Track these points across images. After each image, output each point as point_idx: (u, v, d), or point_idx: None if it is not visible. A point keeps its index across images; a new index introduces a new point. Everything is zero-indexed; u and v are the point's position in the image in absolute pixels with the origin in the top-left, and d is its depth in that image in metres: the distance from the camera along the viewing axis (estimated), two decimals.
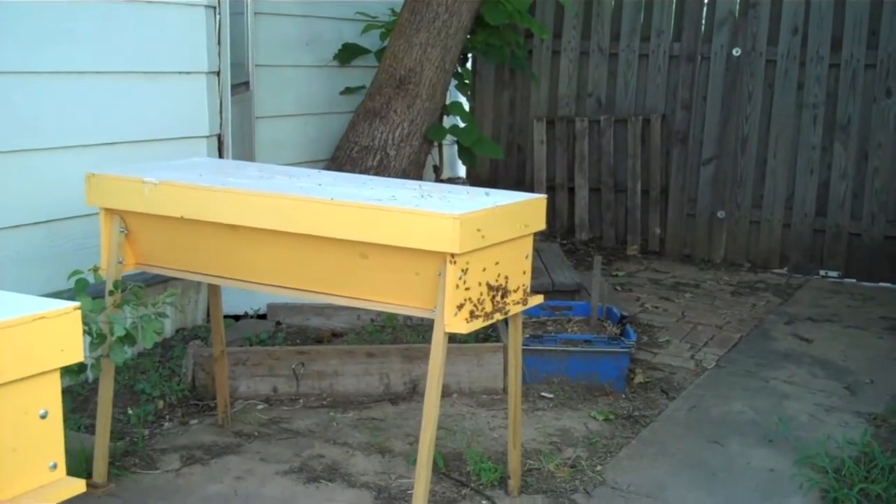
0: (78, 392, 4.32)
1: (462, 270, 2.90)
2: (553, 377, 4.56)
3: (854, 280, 6.96)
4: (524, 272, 3.24)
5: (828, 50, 6.97)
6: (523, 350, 4.49)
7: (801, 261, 7.14)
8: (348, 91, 6.83)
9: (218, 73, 5.05)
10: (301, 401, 4.40)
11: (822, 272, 7.06)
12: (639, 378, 4.76)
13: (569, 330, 4.80)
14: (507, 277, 3.13)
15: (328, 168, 6.47)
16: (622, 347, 4.52)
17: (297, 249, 3.15)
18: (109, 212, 3.44)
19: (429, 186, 3.32)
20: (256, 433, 4.05)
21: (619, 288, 6.47)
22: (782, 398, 4.60)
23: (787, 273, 7.11)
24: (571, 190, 7.81)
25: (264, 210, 3.10)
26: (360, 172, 6.31)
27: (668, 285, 6.65)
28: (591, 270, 6.19)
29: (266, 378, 4.44)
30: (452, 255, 2.85)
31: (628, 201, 7.64)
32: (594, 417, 4.29)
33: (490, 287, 3.05)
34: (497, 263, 3.07)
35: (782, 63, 7.09)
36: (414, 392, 4.46)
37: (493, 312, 3.07)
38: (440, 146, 7.05)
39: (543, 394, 4.51)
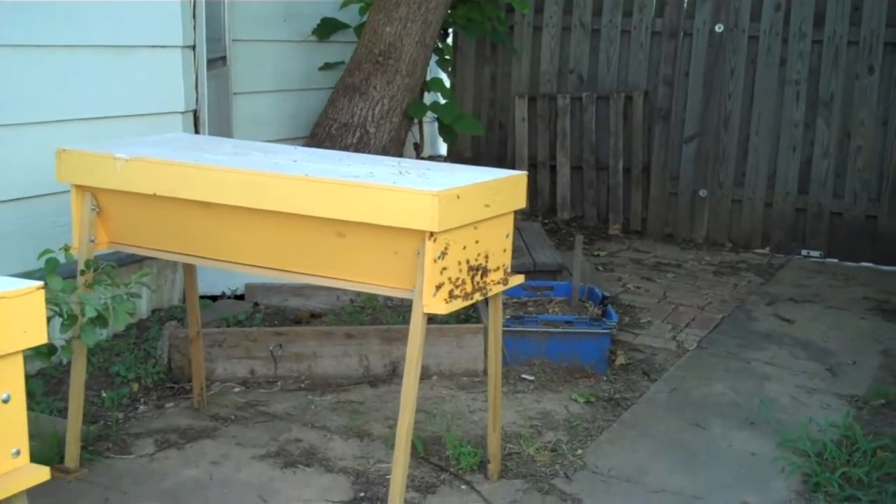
0: (51, 374, 4.23)
1: (441, 249, 2.83)
2: (534, 359, 4.51)
3: (836, 260, 6.93)
4: (504, 251, 3.17)
5: (810, 26, 6.91)
6: (504, 331, 4.44)
7: (783, 240, 7.10)
8: (327, 67, 6.72)
9: (193, 48, 4.94)
10: (279, 383, 4.33)
11: (804, 252, 7.03)
12: (620, 360, 4.70)
13: (550, 311, 4.74)
14: (487, 256, 3.06)
15: (307, 145, 6.38)
16: (603, 329, 4.47)
17: (273, 228, 3.07)
18: (80, 189, 3.35)
19: (408, 163, 3.24)
20: (233, 416, 3.97)
21: (600, 268, 6.41)
22: (764, 380, 4.57)
23: (768, 253, 7.07)
24: (553, 168, 7.75)
25: (239, 187, 3.01)
26: (340, 149, 6.20)
27: (649, 265, 6.60)
28: (572, 250, 6.13)
29: (243, 360, 4.36)
30: (431, 234, 2.78)
31: (610, 179, 7.58)
32: (575, 400, 4.23)
33: (470, 266, 2.99)
34: (477, 242, 3.00)
35: (765, 39, 7.03)
36: (394, 374, 4.40)
37: (473, 292, 3.01)
38: (420, 123, 6.97)
39: (524, 376, 4.46)
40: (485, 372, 4.43)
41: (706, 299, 5.82)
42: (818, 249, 7.00)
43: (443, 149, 8.45)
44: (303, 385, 4.31)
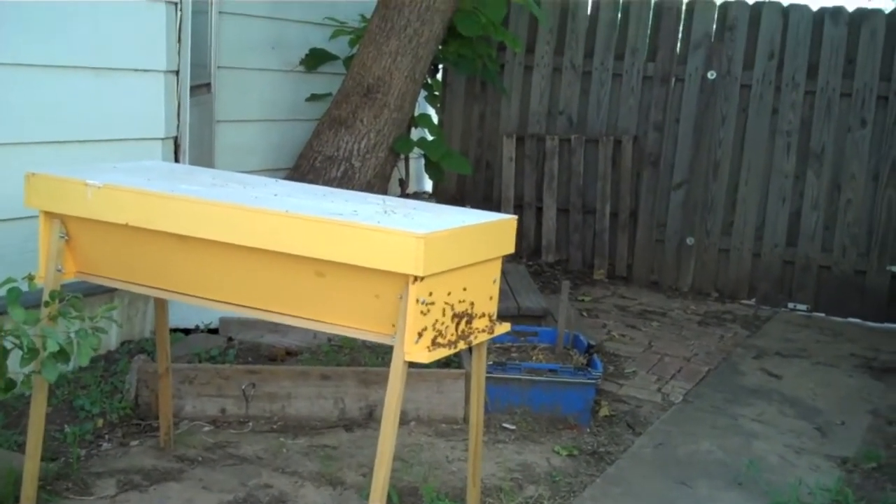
0: (13, 406, 4.06)
1: (425, 294, 2.69)
2: (516, 407, 4.36)
3: (823, 314, 6.83)
4: (491, 298, 3.03)
5: (804, 76, 6.85)
6: (486, 378, 4.30)
7: (770, 292, 7.00)
8: (314, 98, 6.60)
9: (177, 73, 4.81)
10: (250, 424, 4.16)
11: (790, 305, 6.92)
12: (604, 411, 4.56)
13: (533, 358, 4.59)
14: (472, 303, 2.92)
15: (289, 177, 6.24)
16: (588, 378, 4.33)
17: (249, 264, 2.92)
18: (49, 215, 3.19)
19: (393, 202, 3.10)
20: (200, 458, 3.80)
21: (585, 314, 6.28)
22: (751, 437, 4.43)
23: (755, 304, 6.96)
24: (540, 210, 7.63)
25: (214, 220, 2.87)
26: (324, 183, 6.09)
27: (635, 312, 6.48)
28: (557, 294, 6.00)
29: (214, 398, 4.19)
30: (415, 278, 2.64)
31: (597, 224, 7.47)
32: (557, 452, 4.08)
33: (455, 313, 2.84)
34: (464, 288, 2.86)
35: (757, 88, 6.97)
36: (370, 418, 4.24)
37: (456, 340, 2.86)
38: (407, 159, 6.85)
39: (505, 425, 4.30)
40: (465, 419, 4.28)
41: (692, 350, 5.70)
42: (805, 303, 6.90)
43: (428, 185, 8.32)
44: (275, 426, 4.14)
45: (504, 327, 3.12)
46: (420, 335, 2.72)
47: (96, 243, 3.21)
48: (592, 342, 4.60)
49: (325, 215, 2.74)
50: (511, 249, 3.08)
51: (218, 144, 5.83)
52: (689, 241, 7.18)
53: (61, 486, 3.47)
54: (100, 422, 4.02)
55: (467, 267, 2.85)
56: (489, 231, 2.93)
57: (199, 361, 4.51)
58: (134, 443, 3.91)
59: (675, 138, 7.19)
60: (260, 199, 2.96)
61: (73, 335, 2.96)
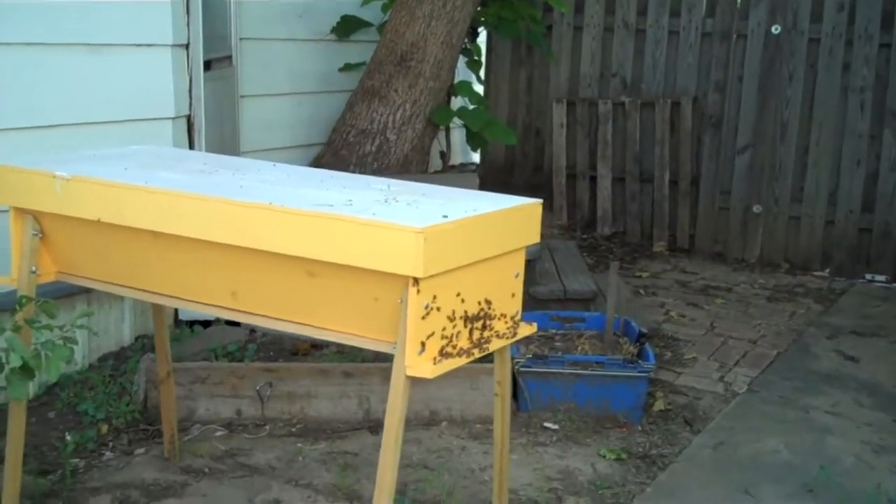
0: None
1: (429, 298, 2.29)
2: (558, 404, 3.95)
3: None
4: (513, 295, 2.63)
5: (877, 28, 6.28)
6: (525, 372, 3.91)
7: (845, 262, 6.46)
8: (348, 68, 6.20)
9: (187, 46, 4.45)
10: (267, 427, 3.82)
11: (867, 276, 6.39)
12: (659, 404, 4.13)
13: (579, 348, 4.17)
14: (489, 303, 2.52)
15: (323, 153, 5.89)
16: (639, 372, 3.90)
17: (233, 263, 2.55)
18: (20, 211, 2.86)
19: (400, 187, 2.70)
20: (207, 469, 3.47)
21: (641, 291, 5.83)
22: (824, 433, 3.97)
23: (829, 276, 6.44)
24: (593, 179, 7.17)
25: (190, 215, 2.50)
26: (358, 158, 5.74)
27: (696, 289, 6.00)
28: (617, 265, 5.58)
29: (228, 399, 3.86)
30: (415, 280, 2.24)
31: (655, 192, 6.99)
32: (603, 456, 3.67)
33: (467, 317, 2.44)
34: (476, 287, 2.46)
35: (826, 42, 6.40)
36: None
37: (470, 349, 2.46)
38: (448, 130, 6.43)
39: (546, 424, 3.90)
40: None
41: (759, 331, 5.22)
42: (884, 274, 6.36)
43: (476, 157, 7.89)
44: (293, 430, 3.80)
45: (530, 328, 2.71)
46: (424, 345, 2.32)
47: (73, 241, 2.87)
48: (644, 329, 4.17)
49: (312, 207, 2.36)
50: (536, 238, 2.67)
51: (243, 121, 5.47)
52: (756, 208, 6.66)
53: None
54: (104, 428, 3.71)
55: (481, 262, 2.45)
56: (508, 219, 2.52)
57: (216, 358, 4.18)
58: (139, 451, 3.60)
59: (738, 98, 6.66)
60: (245, 189, 2.58)
61: (40, 347, 2.63)
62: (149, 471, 3.43)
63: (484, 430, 3.83)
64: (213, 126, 4.90)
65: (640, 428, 3.93)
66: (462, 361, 2.43)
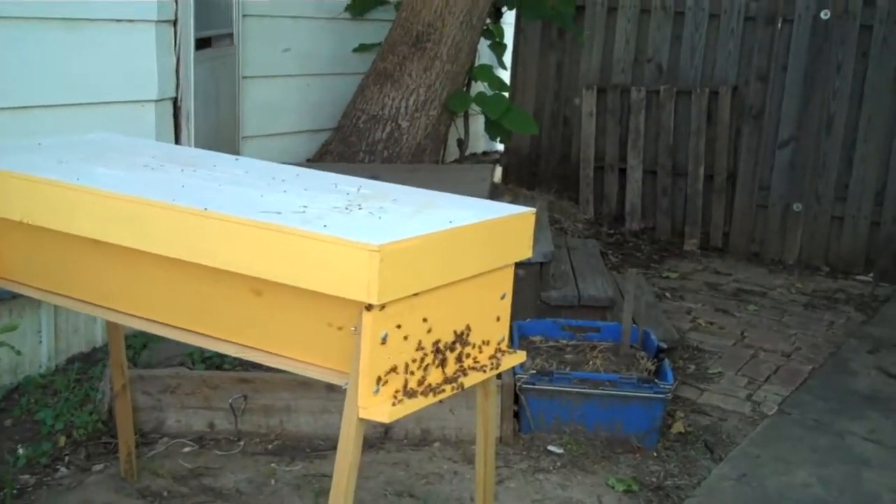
0: None
1: (389, 326, 1.93)
2: (564, 425, 3.57)
3: None
4: (498, 319, 2.25)
5: None
6: (528, 389, 3.53)
7: (891, 267, 6.01)
8: (363, 49, 5.85)
9: (174, 23, 4.10)
10: (241, 443, 3.48)
11: None
12: (678, 426, 3.74)
13: (590, 361, 3.78)
14: (467, 330, 2.15)
15: (331, 140, 5.54)
16: (655, 392, 3.51)
17: (172, 275, 2.20)
18: None
19: (371, 189, 2.33)
20: (167, 492, 3.13)
21: (668, 295, 5.42)
22: (861, 465, 3.56)
23: (872, 281, 5.98)
24: (623, 171, 6.75)
25: (118, 219, 2.15)
26: (368, 145, 5.38)
27: (728, 292, 5.58)
28: (637, 270, 5.18)
29: (201, 411, 3.52)
30: (369, 306, 1.88)
31: (688, 187, 6.56)
32: (612, 487, 3.29)
33: (437, 347, 2.07)
34: (451, 311, 2.08)
35: (880, 29, 5.93)
36: (386, 438, 3.52)
37: (440, 385, 2.09)
38: (466, 117, 6.05)
39: (551, 448, 3.52)
40: (501, 440, 3.52)
41: (793, 342, 4.80)
42: None
43: (501, 145, 7.50)
44: (270, 447, 3.46)
45: (518, 357, 2.33)
46: (381, 381, 1.96)
47: (8, 242, 2.53)
48: (664, 344, 3.77)
49: (255, 215, 1.99)
50: (528, 254, 2.30)
51: (244, 104, 5.13)
52: (797, 207, 6.22)
53: None
54: (62, 440, 3.39)
55: (459, 283, 2.08)
56: (493, 232, 2.14)
57: (193, 364, 3.83)
58: (97, 467, 3.27)
59: (781, 89, 6.20)
60: (186, 189, 2.23)
61: None
62: (102, 492, 3.10)
63: None
64: (208, 110, 4.56)
65: (654, 454, 3.54)
66: (430, 400, 2.06)
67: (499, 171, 7.24)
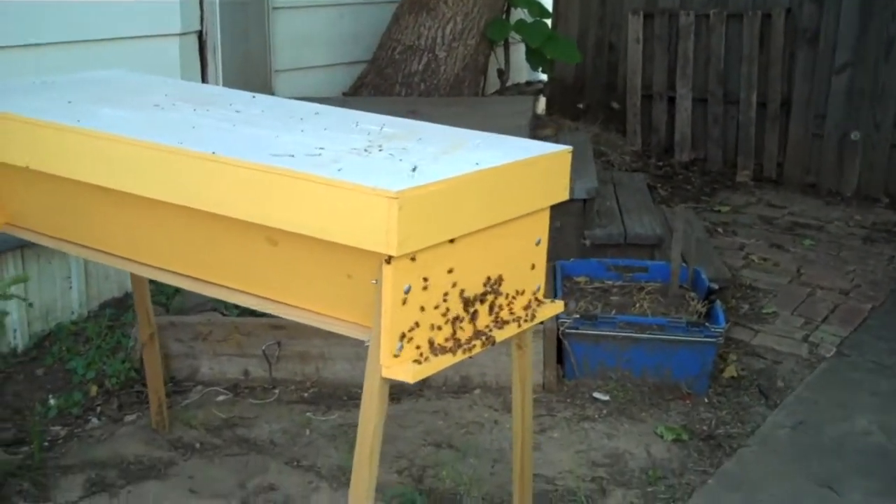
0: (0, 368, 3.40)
1: (412, 278, 1.78)
2: (610, 371, 3.42)
3: None
4: (533, 267, 2.09)
5: None
6: (572, 334, 3.38)
7: None
8: None
9: None
10: (276, 391, 3.38)
11: None
12: (730, 370, 3.57)
13: (637, 303, 3.61)
14: (499, 280, 1.99)
15: (366, 73, 5.35)
16: (706, 336, 3.34)
17: (186, 224, 2.07)
18: None
19: (396, 128, 2.16)
20: (199, 444, 3.03)
21: (720, 230, 5.20)
22: None
23: None
24: (672, 100, 6.49)
25: (121, 164, 2.01)
26: (403, 77, 5.19)
27: (783, 226, 5.35)
28: (687, 205, 5.00)
29: (235, 358, 3.42)
30: (389, 258, 1.72)
31: (741, 115, 6.29)
32: (661, 436, 3.14)
33: (466, 300, 1.92)
34: (480, 261, 1.93)
35: None
36: (425, 385, 3.39)
37: (471, 340, 1.94)
38: (507, 46, 5.82)
39: (596, 395, 3.37)
40: (544, 387, 3.38)
41: (852, 280, 4.58)
42: None
43: (545, 74, 7.25)
44: (305, 395, 3.35)
45: (555, 307, 2.17)
46: (405, 338, 1.81)
47: (15, 188, 2.41)
48: (715, 285, 3.58)
49: (265, 159, 1.84)
50: (564, 196, 2.12)
51: (275, 37, 4.94)
52: (855, 135, 5.93)
53: (15, 486, 2.76)
54: (94, 389, 3.31)
55: (487, 230, 1.91)
56: (525, 173, 1.97)
57: (226, 309, 3.72)
58: (129, 417, 3.19)
59: (837, 11, 5.88)
60: (197, 130, 2.07)
61: None
62: (133, 444, 3.02)
63: None
64: (236, 43, 4.39)
65: (705, 400, 3.38)
66: (458, 358, 1.91)
67: (542, 101, 7.01)
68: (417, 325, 1.83)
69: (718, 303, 3.50)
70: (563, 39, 5.68)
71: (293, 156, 1.87)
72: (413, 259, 1.76)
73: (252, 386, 3.40)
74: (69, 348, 3.52)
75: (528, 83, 7.36)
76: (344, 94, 5.47)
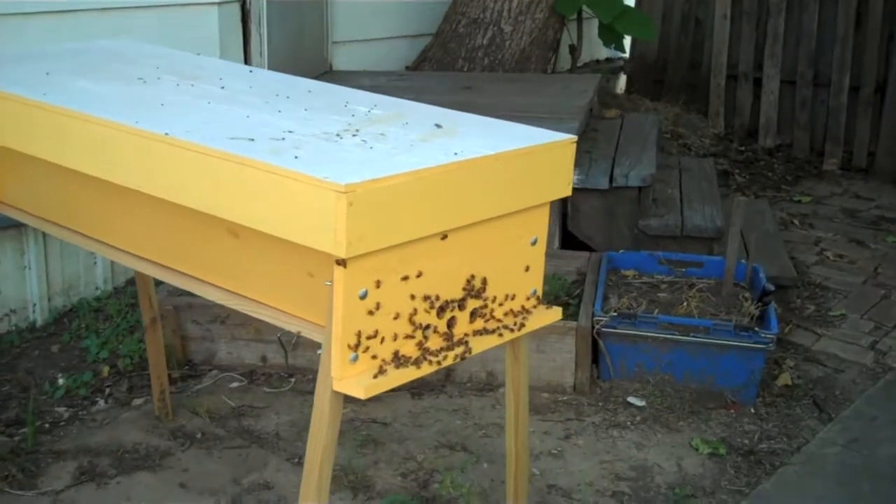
0: (15, 343, 3.32)
1: (369, 282, 1.58)
2: (649, 374, 3.17)
3: None
4: (528, 269, 1.87)
5: None
6: (609, 333, 3.14)
7: None
8: None
9: None
10: (293, 380, 3.22)
11: None
12: (784, 378, 3.29)
13: (686, 302, 3.34)
14: (482, 284, 1.78)
15: (430, 46, 5.15)
16: (755, 342, 3.06)
17: (152, 210, 1.91)
18: None
19: (386, 110, 1.96)
20: (201, 434, 2.90)
21: (795, 222, 4.87)
22: None
23: None
24: (758, 81, 6.14)
25: (76, 142, 1.85)
26: (467, 52, 4.98)
27: (866, 220, 4.99)
28: (765, 194, 4.69)
29: (252, 343, 3.28)
30: (341, 260, 1.53)
31: (831, 100, 5.92)
32: (695, 448, 2.89)
33: (439, 305, 1.71)
34: (457, 262, 1.72)
35: None
36: (448, 380, 3.20)
37: (442, 350, 1.73)
38: (580, 20, 5.54)
39: (631, 399, 3.13)
40: (574, 388, 3.15)
41: None
42: None
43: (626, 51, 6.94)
44: None
45: (552, 314, 1.94)
46: (358, 347, 1.62)
47: (5, 165, 2.29)
48: (770, 286, 3.29)
49: (221, 143, 1.65)
50: (566, 191, 1.89)
51: (334, 6, 4.77)
52: None
53: (2, 472, 2.65)
54: (105, 370, 3.20)
55: (469, 227, 1.70)
56: (514, 165, 1.75)
57: None
58: (137, 401, 3.07)
59: None
60: (166, 107, 1.91)
61: None
62: (133, 431, 2.89)
63: (550, 401, 3.11)
64: (286, 13, 4.22)
65: (752, 410, 3.11)
66: (424, 371, 1.70)
67: (623, 79, 6.72)
68: (377, 333, 1.63)
69: (773, 305, 3.22)
70: (638, 14, 5.38)
71: (253, 139, 1.69)
72: (371, 260, 1.56)
73: (269, 373, 3.25)
74: (88, 325, 3.42)
75: (609, 60, 7.07)
76: (407, 68, 5.28)
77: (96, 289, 3.59)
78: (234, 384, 3.19)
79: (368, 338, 1.63)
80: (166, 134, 1.69)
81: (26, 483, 2.63)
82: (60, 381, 3.12)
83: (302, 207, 1.52)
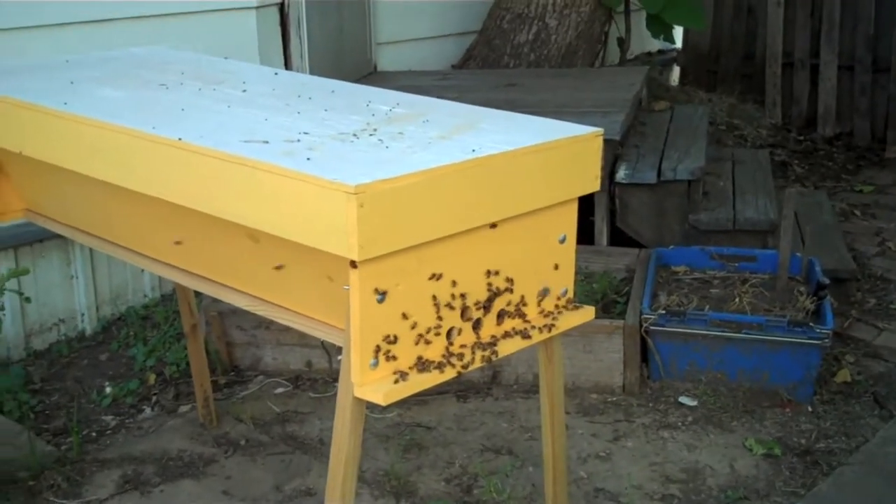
0: (61, 352, 3.34)
1: (387, 283, 1.54)
2: (701, 373, 3.08)
3: None
4: (557, 267, 1.81)
5: None
6: (657, 331, 3.06)
7: None
8: None
9: None
10: (338, 384, 3.18)
11: None
12: (843, 374, 3.18)
13: (738, 297, 3.25)
14: (508, 283, 1.72)
15: (475, 44, 5.09)
16: (810, 338, 2.95)
17: (174, 216, 1.88)
18: None
19: (408, 108, 1.91)
20: (245, 440, 2.88)
21: (856, 212, 4.73)
22: None
23: None
24: (815, 68, 5.98)
25: (101, 150, 1.84)
26: (513, 48, 4.92)
27: None
28: (825, 184, 4.56)
29: (297, 348, 3.25)
30: (354, 262, 1.48)
31: (892, 85, 5.73)
32: (749, 449, 2.80)
33: (463, 308, 1.66)
34: (480, 262, 1.67)
35: None
36: (493, 382, 3.14)
37: (468, 353, 1.68)
38: (627, 13, 5.44)
39: (682, 399, 3.05)
40: (624, 389, 3.08)
41: None
42: None
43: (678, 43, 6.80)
44: None
45: (584, 314, 1.88)
46: (380, 352, 1.57)
47: (31, 175, 2.29)
48: (825, 279, 3.18)
49: (229, 147, 1.62)
50: (594, 186, 1.82)
51: (377, 6, 4.73)
52: None
53: (50, 479, 2.67)
54: (152, 378, 3.20)
55: (493, 226, 1.65)
56: (538, 161, 1.69)
57: None
58: (183, 408, 3.07)
59: None
60: (186, 112, 1.89)
61: None
62: (178, 438, 2.88)
63: (599, 402, 3.04)
64: (327, 15, 4.21)
65: (809, 408, 3.01)
66: (448, 375, 1.65)
67: (676, 71, 6.60)
68: (397, 337, 1.58)
69: (829, 299, 3.11)
70: (687, 3, 5.26)
71: (268, 142, 1.66)
72: (388, 263, 1.52)
73: (314, 378, 3.23)
74: (136, 333, 3.43)
75: (661, 52, 6.95)
76: (453, 66, 5.24)
77: (144, 297, 3.60)
78: (280, 390, 3.17)
79: (389, 342, 1.58)
80: (179, 139, 1.67)
81: (70, 492, 2.63)
82: (107, 390, 3.13)
83: (313, 210, 1.48)
